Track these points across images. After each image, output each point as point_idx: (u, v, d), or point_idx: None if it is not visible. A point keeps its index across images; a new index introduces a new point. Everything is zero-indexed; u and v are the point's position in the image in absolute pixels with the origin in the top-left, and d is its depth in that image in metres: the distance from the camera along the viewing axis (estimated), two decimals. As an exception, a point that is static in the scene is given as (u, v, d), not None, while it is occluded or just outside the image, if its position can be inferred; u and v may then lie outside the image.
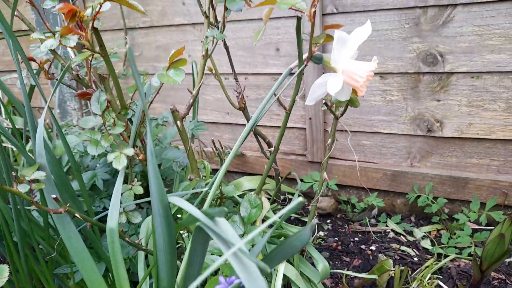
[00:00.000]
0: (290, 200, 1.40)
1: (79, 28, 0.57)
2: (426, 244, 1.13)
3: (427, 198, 1.18)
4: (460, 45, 1.06)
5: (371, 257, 1.10)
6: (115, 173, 1.00)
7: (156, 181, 0.44)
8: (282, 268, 0.72)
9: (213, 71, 0.89)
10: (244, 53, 1.37)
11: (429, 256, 1.08)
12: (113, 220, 0.56)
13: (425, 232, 1.18)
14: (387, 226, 1.24)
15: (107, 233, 0.56)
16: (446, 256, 1.06)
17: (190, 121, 1.14)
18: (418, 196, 1.20)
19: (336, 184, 1.31)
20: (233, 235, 0.36)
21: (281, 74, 1.36)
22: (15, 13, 0.65)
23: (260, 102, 1.40)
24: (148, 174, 0.45)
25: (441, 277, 0.99)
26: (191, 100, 0.73)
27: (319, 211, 1.33)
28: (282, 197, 1.40)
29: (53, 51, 0.67)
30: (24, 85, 0.67)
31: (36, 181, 0.54)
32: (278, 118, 1.41)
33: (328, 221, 1.30)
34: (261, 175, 1.35)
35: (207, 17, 0.73)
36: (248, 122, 0.98)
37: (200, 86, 0.74)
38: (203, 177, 0.87)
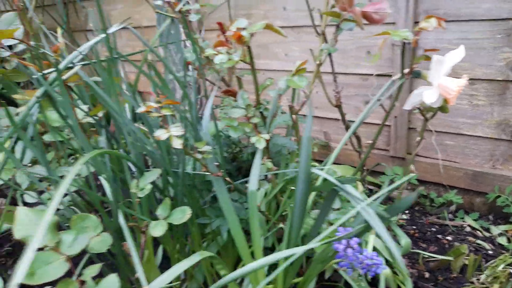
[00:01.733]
0: (371, 190, 1.55)
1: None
2: (502, 240, 1.21)
3: (507, 198, 1.25)
4: (553, 56, 1.12)
5: (447, 245, 1.21)
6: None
7: (306, 158, 0.64)
8: (372, 239, 0.89)
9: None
10: (338, 55, 1.54)
11: (504, 252, 1.17)
12: (253, 185, 0.79)
13: (502, 230, 1.26)
14: (464, 221, 1.34)
15: (249, 194, 0.79)
16: (521, 252, 1.14)
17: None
18: (498, 196, 1.27)
19: (416, 179, 1.43)
20: (358, 195, 0.55)
21: (370, 74, 1.51)
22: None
23: (348, 99, 1.57)
24: (300, 154, 0.66)
25: (514, 268, 1.08)
26: (304, 99, 0.93)
27: (398, 202, 1.46)
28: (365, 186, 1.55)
29: (207, 58, 0.91)
30: (185, 82, 0.92)
31: (204, 152, 0.78)
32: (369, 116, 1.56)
33: (407, 212, 1.43)
34: (345, 165, 1.52)
35: (318, 35, 0.92)
36: (342, 118, 1.15)
37: (312, 89, 0.93)
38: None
